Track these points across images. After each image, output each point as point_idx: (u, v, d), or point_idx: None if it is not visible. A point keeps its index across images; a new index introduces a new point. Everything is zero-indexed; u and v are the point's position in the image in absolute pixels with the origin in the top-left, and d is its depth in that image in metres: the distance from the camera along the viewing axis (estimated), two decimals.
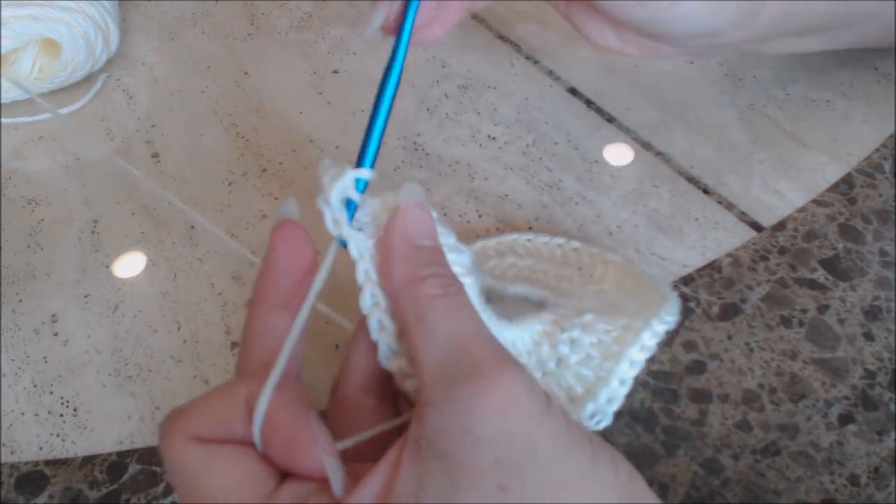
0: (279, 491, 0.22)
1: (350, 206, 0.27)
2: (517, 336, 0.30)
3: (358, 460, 0.25)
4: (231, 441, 0.23)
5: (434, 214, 0.29)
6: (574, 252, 0.36)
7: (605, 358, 0.29)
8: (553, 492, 0.21)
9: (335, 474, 0.23)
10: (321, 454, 0.23)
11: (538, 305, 0.34)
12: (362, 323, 0.27)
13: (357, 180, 0.28)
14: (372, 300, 0.26)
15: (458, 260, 0.28)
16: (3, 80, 0.44)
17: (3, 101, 0.46)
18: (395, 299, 0.26)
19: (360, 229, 0.27)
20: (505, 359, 0.23)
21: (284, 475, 0.23)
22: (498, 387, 0.22)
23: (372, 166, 0.29)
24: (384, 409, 0.27)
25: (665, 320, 0.30)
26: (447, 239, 0.29)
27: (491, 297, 0.34)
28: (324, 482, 0.23)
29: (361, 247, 0.27)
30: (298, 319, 0.25)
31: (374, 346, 0.26)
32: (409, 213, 0.27)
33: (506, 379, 0.22)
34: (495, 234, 0.37)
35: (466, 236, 0.38)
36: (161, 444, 0.23)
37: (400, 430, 0.27)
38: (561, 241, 0.36)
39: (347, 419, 0.27)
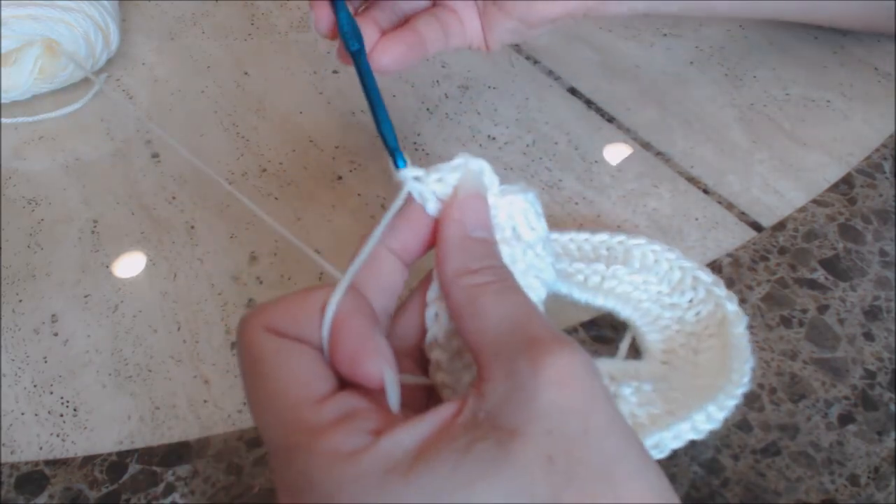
0: (335, 396, 0.23)
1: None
2: None
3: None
4: (302, 340, 0.24)
5: (542, 221, 0.30)
6: (694, 280, 0.34)
7: (637, 429, 0.28)
8: (598, 476, 0.21)
9: (392, 388, 0.23)
10: (382, 366, 0.23)
11: (593, 323, 0.34)
12: (416, 292, 0.28)
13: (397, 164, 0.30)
14: (436, 293, 0.28)
15: (538, 279, 0.29)
16: (2, 76, 0.44)
17: (3, 101, 0.46)
18: (447, 288, 0.26)
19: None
20: (562, 337, 0.23)
21: (342, 385, 0.24)
22: (556, 360, 0.22)
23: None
24: (420, 375, 0.28)
25: (699, 429, 0.28)
26: (545, 254, 0.30)
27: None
28: (378, 399, 0.23)
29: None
30: (370, 241, 0.26)
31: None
32: (465, 203, 0.28)
33: (564, 354, 0.22)
34: (618, 230, 0.35)
35: None
36: (239, 331, 0.25)
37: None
38: (688, 264, 0.34)
39: None
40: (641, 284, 0.34)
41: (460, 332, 0.26)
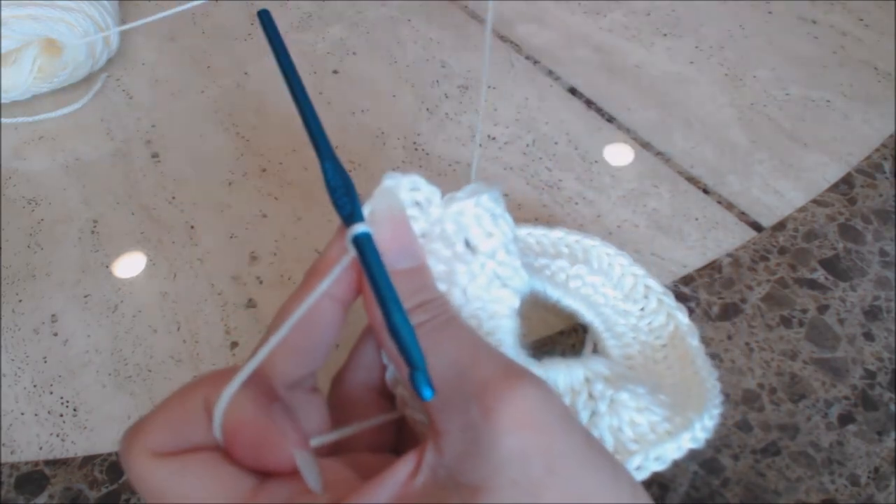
0: (264, 488, 0.21)
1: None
2: (551, 378, 0.28)
3: (356, 450, 0.24)
4: (195, 449, 0.22)
5: (510, 225, 0.26)
6: (646, 289, 0.33)
7: (638, 440, 0.27)
8: None
9: (309, 470, 0.21)
10: (292, 449, 0.21)
11: (580, 329, 0.33)
12: (372, 321, 0.26)
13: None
14: None
15: (505, 288, 0.26)
16: (2, 76, 0.44)
17: (3, 101, 0.46)
18: (379, 336, 0.24)
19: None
20: (511, 373, 0.21)
21: (263, 475, 0.22)
22: (509, 405, 0.20)
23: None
24: (385, 407, 0.27)
25: (697, 438, 0.28)
26: (513, 275, 0.27)
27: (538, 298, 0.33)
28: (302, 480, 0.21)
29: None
30: (287, 323, 0.23)
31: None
32: (380, 231, 0.24)
33: (516, 394, 0.21)
34: (576, 229, 0.34)
35: None
36: (123, 464, 0.22)
37: (397, 425, 0.26)
38: (640, 271, 0.33)
39: (347, 412, 0.26)
40: (600, 287, 0.33)
41: (402, 379, 0.23)
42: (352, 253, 0.23)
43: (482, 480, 0.20)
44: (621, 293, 0.33)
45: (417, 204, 0.26)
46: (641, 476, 0.27)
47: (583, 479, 0.20)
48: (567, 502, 0.20)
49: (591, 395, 0.28)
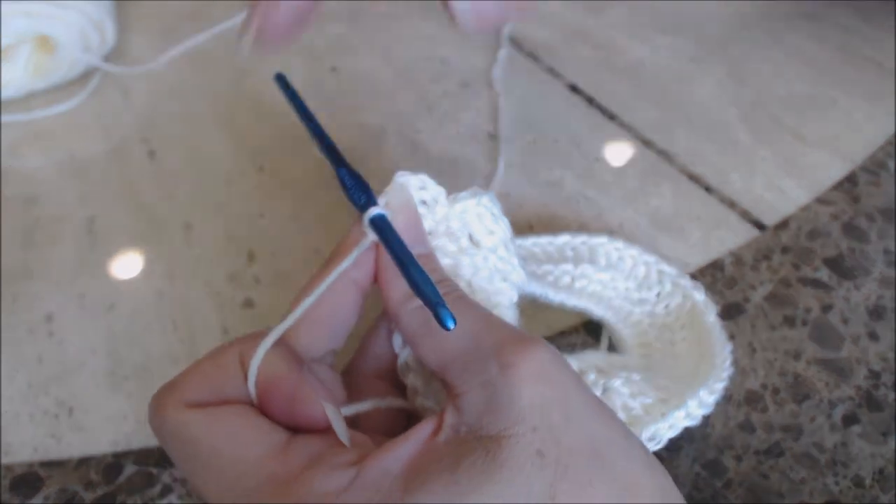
0: (295, 441, 0.22)
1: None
2: None
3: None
4: (228, 402, 0.23)
5: (507, 225, 0.29)
6: (660, 274, 0.34)
7: (631, 423, 0.28)
8: (590, 460, 0.21)
9: (338, 423, 0.22)
10: (323, 403, 0.22)
11: (594, 324, 0.34)
12: (384, 312, 0.27)
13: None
14: None
15: (505, 282, 0.28)
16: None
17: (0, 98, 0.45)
18: (395, 315, 0.25)
19: None
20: (524, 336, 0.23)
21: (293, 432, 0.23)
22: (525, 359, 0.22)
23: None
24: (396, 396, 0.27)
25: (693, 415, 0.28)
26: (507, 266, 0.29)
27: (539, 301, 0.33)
28: (335, 436, 0.22)
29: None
30: (316, 291, 0.25)
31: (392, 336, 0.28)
32: (394, 223, 0.26)
33: (531, 351, 0.22)
34: (583, 230, 0.35)
35: None
36: (154, 419, 0.23)
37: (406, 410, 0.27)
38: (650, 258, 0.34)
39: (358, 401, 0.26)
40: (610, 282, 0.34)
41: (418, 355, 0.25)
42: (371, 235, 0.26)
43: (504, 429, 0.21)
44: (635, 283, 0.34)
45: (424, 203, 0.28)
46: None
47: (598, 427, 0.22)
48: (585, 446, 0.21)
49: (599, 371, 0.29)
